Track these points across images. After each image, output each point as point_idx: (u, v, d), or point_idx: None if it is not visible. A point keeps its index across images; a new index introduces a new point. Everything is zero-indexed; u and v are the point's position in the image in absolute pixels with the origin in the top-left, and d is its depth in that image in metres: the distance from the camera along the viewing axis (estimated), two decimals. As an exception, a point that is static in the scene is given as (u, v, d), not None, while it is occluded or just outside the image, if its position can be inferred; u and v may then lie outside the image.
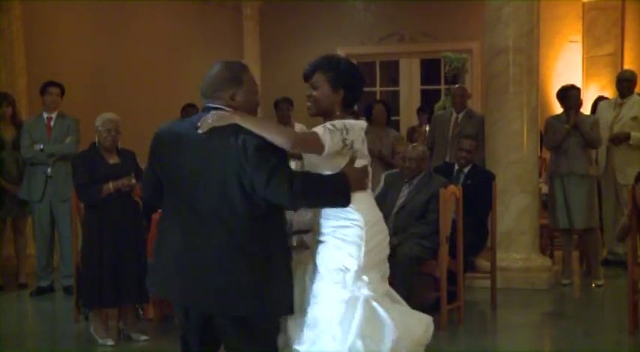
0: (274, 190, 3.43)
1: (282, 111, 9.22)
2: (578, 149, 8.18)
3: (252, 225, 3.52)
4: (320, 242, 3.72)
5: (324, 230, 3.70)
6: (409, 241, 6.53)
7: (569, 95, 8.25)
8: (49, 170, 8.02)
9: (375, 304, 3.59)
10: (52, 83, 8.23)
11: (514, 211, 8.05)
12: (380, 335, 3.55)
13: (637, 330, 6.44)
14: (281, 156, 3.50)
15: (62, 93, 8.24)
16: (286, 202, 3.53)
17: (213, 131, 3.47)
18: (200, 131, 3.49)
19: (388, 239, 3.80)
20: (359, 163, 3.66)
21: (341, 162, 3.63)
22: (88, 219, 6.45)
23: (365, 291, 3.60)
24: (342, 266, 3.63)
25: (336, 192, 3.59)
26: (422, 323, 3.71)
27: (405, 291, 6.34)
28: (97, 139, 6.43)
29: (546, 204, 8.84)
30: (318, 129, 3.56)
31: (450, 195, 6.62)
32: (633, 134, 8.63)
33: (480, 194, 7.17)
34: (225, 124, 3.46)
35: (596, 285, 8.21)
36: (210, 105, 3.61)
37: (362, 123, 3.70)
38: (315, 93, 3.72)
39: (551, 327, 7.12)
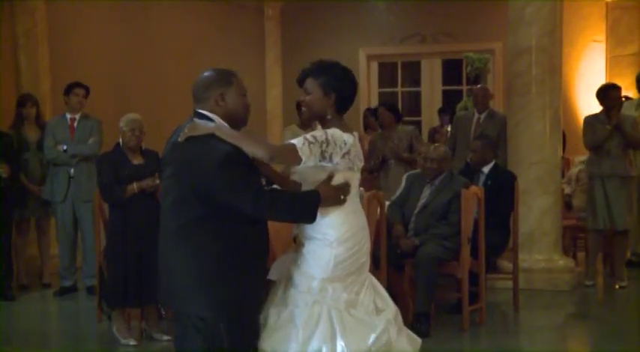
0: (236, 202, 3.52)
1: (302, 110, 9.21)
2: (620, 150, 8.10)
3: (206, 228, 3.58)
4: (301, 246, 3.82)
5: (304, 236, 3.80)
6: (431, 242, 6.53)
7: (610, 95, 8.16)
8: (72, 171, 8.07)
9: (333, 313, 3.69)
10: (77, 84, 8.26)
11: (536, 212, 8.02)
12: (333, 342, 3.64)
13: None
14: (249, 167, 3.57)
15: (87, 94, 8.27)
16: (250, 213, 3.56)
17: (190, 139, 3.53)
18: (179, 139, 3.56)
19: (363, 251, 3.83)
20: (339, 179, 3.71)
21: (322, 177, 3.70)
22: (112, 219, 6.51)
23: (328, 300, 3.70)
24: (310, 274, 3.74)
25: (302, 210, 3.68)
26: (368, 335, 3.71)
27: (426, 292, 6.42)
28: (121, 140, 6.48)
29: (569, 204, 8.80)
30: (298, 142, 3.60)
31: (472, 195, 6.61)
32: None
33: (501, 194, 7.15)
34: (203, 134, 3.52)
35: (620, 287, 8.16)
36: (198, 110, 3.68)
37: (347, 138, 3.71)
38: (307, 98, 3.81)
39: (575, 329, 7.13)
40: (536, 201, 8.01)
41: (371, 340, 3.69)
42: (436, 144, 7.47)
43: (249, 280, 3.67)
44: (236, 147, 3.51)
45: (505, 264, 7.58)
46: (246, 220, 3.62)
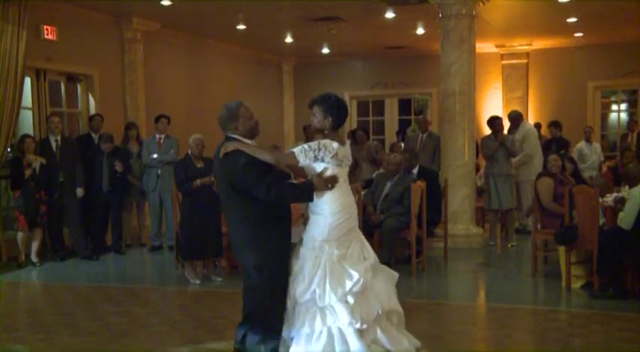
0: (256, 192, 3.51)
1: (309, 133, 9.14)
2: (504, 158, 8.05)
3: (243, 208, 3.59)
4: (308, 219, 3.77)
5: (310, 212, 3.74)
6: (391, 217, 6.45)
7: (496, 123, 8.13)
8: (159, 171, 8.00)
9: (327, 265, 3.59)
10: (162, 115, 8.21)
11: (459, 198, 7.93)
12: (324, 286, 3.56)
13: (536, 274, 6.42)
14: (262, 170, 3.53)
15: (168, 122, 8.21)
16: (264, 200, 3.53)
17: (226, 154, 3.57)
18: (220, 155, 3.61)
19: (352, 219, 3.71)
20: (328, 173, 3.62)
21: (317, 170, 3.63)
22: (184, 202, 6.43)
23: (325, 255, 3.61)
24: (313, 237, 3.65)
25: (301, 195, 3.63)
26: (352, 278, 3.58)
27: (388, 250, 6.33)
28: (189, 151, 6.43)
29: (480, 192, 8.73)
30: (296, 150, 3.60)
31: (418, 187, 6.52)
32: (519, 154, 8.49)
33: (432, 186, 6.96)
34: (232, 150, 3.55)
35: (511, 245, 8.07)
36: (227, 134, 3.69)
37: (334, 145, 3.62)
38: (313, 119, 3.72)
39: (483, 272, 7.02)
40: (459, 191, 7.92)
41: (347, 287, 3.57)
42: (394, 154, 7.35)
43: (278, 241, 3.65)
44: (252, 156, 3.53)
45: (439, 231, 7.51)
46: (270, 204, 3.59)
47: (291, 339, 3.65)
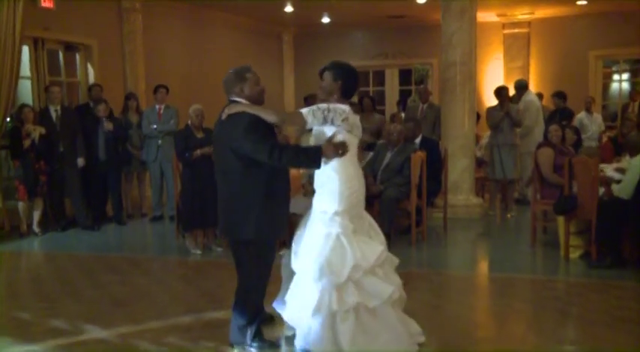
0: (257, 155, 3.31)
1: (309, 103, 9.05)
2: (509, 128, 8.04)
3: (241, 178, 3.39)
4: (315, 192, 3.55)
5: (315, 183, 3.53)
6: (391, 188, 6.41)
7: (502, 93, 8.10)
8: (159, 141, 7.94)
9: (342, 238, 3.38)
10: (161, 85, 8.13)
11: (459, 168, 7.89)
12: (342, 261, 3.34)
13: (535, 243, 6.42)
14: (264, 132, 3.34)
15: (167, 92, 8.13)
16: (267, 162, 3.32)
17: (230, 116, 3.39)
18: (223, 117, 3.42)
19: (360, 192, 3.52)
20: (339, 138, 3.39)
21: (326, 134, 3.42)
22: (184, 173, 6.40)
23: (337, 228, 3.39)
24: (323, 210, 3.44)
25: (307, 159, 3.39)
26: (376, 252, 3.42)
27: (389, 220, 6.33)
28: (189, 121, 6.38)
29: (480, 163, 8.70)
30: (304, 110, 3.39)
31: (418, 158, 6.47)
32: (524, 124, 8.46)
33: (432, 155, 6.88)
34: (236, 112, 3.37)
35: (511, 216, 8.07)
36: (230, 98, 3.52)
37: (345, 107, 3.43)
38: (322, 83, 3.55)
39: (482, 242, 7.04)
40: (458, 162, 7.88)
41: (372, 259, 3.38)
42: (395, 124, 7.30)
43: (271, 218, 3.45)
44: (257, 117, 3.32)
45: (439, 201, 7.49)
46: (271, 170, 3.39)
47: (305, 321, 3.42)
